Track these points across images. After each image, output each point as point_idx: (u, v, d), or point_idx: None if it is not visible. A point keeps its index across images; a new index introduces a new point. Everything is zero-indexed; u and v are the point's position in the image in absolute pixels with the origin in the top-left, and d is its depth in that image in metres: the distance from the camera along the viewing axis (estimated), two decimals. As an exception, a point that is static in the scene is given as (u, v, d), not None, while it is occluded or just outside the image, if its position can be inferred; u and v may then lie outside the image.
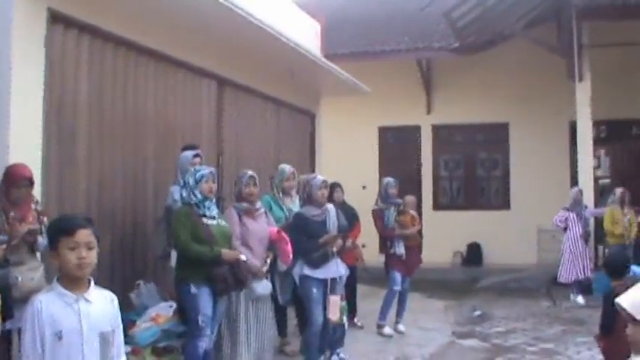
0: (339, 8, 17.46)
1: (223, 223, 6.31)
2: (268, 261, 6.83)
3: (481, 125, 17.02)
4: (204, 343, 5.94)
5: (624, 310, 2.64)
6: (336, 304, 7.13)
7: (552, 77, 15.12)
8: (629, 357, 2.71)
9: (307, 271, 7.09)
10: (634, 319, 2.60)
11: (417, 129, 17.28)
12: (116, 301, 3.24)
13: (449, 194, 17.48)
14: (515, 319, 11.16)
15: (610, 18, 13.12)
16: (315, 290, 7.06)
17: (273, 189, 8.09)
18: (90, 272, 3.07)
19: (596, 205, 13.45)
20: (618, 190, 12.55)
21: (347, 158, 16.00)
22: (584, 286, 12.13)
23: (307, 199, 7.39)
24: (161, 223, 7.17)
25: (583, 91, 13.45)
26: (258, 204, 6.97)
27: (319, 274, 7.11)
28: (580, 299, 11.87)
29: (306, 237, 7.10)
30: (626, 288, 2.83)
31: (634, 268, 7.20)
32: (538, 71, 15.52)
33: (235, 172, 8.07)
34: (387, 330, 9.51)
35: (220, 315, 6.31)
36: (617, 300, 2.69)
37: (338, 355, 7.73)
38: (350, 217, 8.78)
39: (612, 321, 5.37)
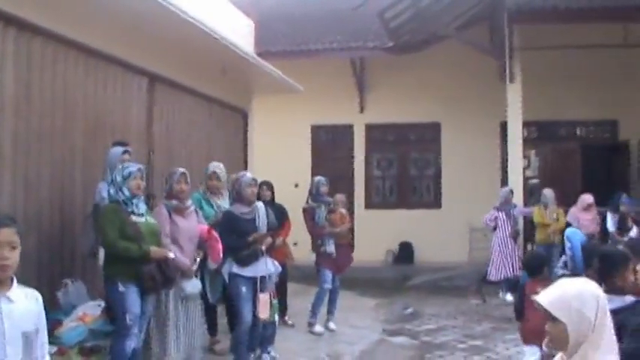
0: (273, 6, 17.39)
1: (152, 220, 6.23)
2: (198, 259, 6.76)
3: (413, 125, 17.20)
4: (132, 342, 5.85)
5: (543, 308, 2.70)
6: (265, 302, 7.12)
7: (484, 78, 15.36)
8: (542, 334, 2.79)
9: (236, 270, 7.06)
10: (553, 317, 2.66)
11: (349, 128, 17.36)
12: (40, 300, 3.16)
13: (381, 193, 17.59)
14: (446, 316, 11.31)
15: (541, 21, 13.36)
16: (244, 288, 7.03)
17: (204, 187, 8.04)
18: (13, 272, 2.99)
19: (525, 205, 13.72)
20: (547, 191, 12.90)
21: (280, 156, 15.99)
22: (512, 284, 12.33)
23: (237, 197, 7.36)
24: (89, 220, 7.05)
25: (514, 93, 13.69)
26: (189, 202, 6.91)
27: (248, 272, 7.09)
28: (509, 297, 12.06)
29: (235, 235, 7.07)
30: (542, 284, 2.91)
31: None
32: (470, 72, 15.74)
33: (166, 169, 7.96)
34: (318, 328, 9.53)
35: (149, 313, 6.23)
36: (536, 298, 2.75)
37: (269, 353, 7.73)
38: (280, 215, 8.79)
39: (522, 308, 6.23)
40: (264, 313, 7.09)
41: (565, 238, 9.64)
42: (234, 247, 7.02)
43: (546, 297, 2.71)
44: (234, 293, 7.11)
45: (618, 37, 13.37)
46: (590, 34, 13.54)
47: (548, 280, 5.62)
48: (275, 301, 7.40)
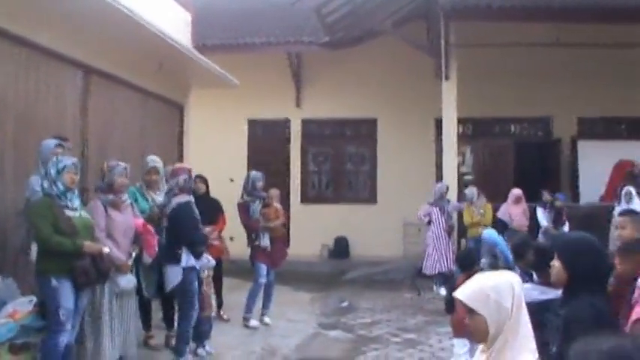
0: (210, -1, 17.32)
1: (85, 214, 6.16)
2: (134, 254, 6.72)
3: (349, 120, 17.31)
4: (65, 338, 5.79)
5: (461, 302, 2.78)
6: (209, 295, 7.14)
7: (420, 75, 15.53)
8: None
9: (194, 262, 7.04)
10: (472, 311, 2.75)
11: (286, 122, 17.38)
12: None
13: (317, 188, 17.67)
14: (380, 310, 11.41)
15: (476, 19, 13.56)
16: (196, 282, 7.05)
17: (142, 181, 7.97)
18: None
19: (459, 201, 13.93)
20: (468, 190, 13.23)
21: (216, 151, 15.90)
22: (446, 278, 12.52)
23: (182, 189, 7.30)
24: (21, 215, 6.92)
25: (449, 90, 13.87)
26: (125, 196, 6.84)
27: (197, 265, 7.11)
28: (442, 291, 12.21)
29: (191, 227, 7.05)
30: (467, 279, 3.00)
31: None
32: (407, 69, 15.88)
33: (100, 163, 7.87)
34: (253, 322, 9.55)
35: (82, 309, 6.15)
36: (455, 293, 2.83)
37: (204, 347, 7.73)
38: (214, 209, 8.78)
39: (452, 302, 5.87)
40: (209, 306, 7.11)
41: (483, 239, 9.78)
42: (192, 240, 7.01)
43: (464, 291, 2.80)
44: (188, 288, 7.08)
45: (551, 36, 13.66)
46: (524, 33, 13.80)
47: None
48: (213, 296, 7.41)
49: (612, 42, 14.02)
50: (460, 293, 2.81)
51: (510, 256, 6.40)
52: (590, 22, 13.58)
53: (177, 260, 7.03)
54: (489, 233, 7.74)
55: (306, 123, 17.35)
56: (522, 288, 2.83)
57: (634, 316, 3.31)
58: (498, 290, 2.74)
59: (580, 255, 3.74)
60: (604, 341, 2.08)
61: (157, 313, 8.30)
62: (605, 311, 3.54)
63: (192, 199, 7.33)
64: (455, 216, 13.42)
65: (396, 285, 13.64)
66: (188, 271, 7.07)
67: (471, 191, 13.20)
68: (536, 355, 2.71)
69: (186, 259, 7.07)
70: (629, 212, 6.13)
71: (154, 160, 7.99)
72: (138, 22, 8.75)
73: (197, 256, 7.13)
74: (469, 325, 2.78)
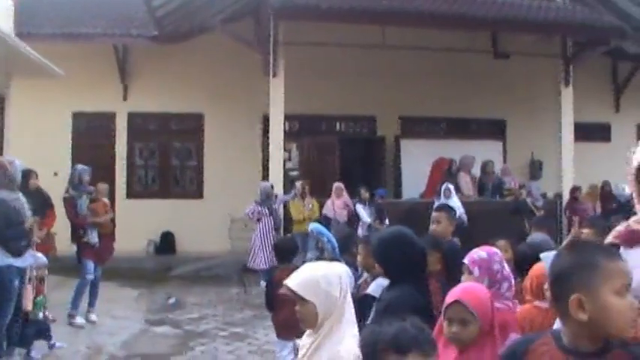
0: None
1: None
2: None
3: (177, 114, 17.11)
4: None
5: (292, 291, 2.94)
6: (30, 293, 6.90)
7: (248, 71, 15.59)
8: (294, 329, 3.05)
9: (12, 260, 6.76)
10: (302, 299, 2.92)
11: (112, 116, 16.93)
12: None
13: (143, 182, 17.38)
14: (207, 305, 11.48)
15: (304, 19, 13.84)
16: (17, 281, 6.77)
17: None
18: None
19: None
20: (298, 184, 13.56)
21: (39, 143, 15.17)
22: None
23: (8, 184, 6.99)
24: None
25: (276, 87, 14.08)
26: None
27: (20, 262, 6.83)
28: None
29: (6, 223, 6.76)
30: (289, 271, 3.17)
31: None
32: (235, 65, 15.89)
33: None
34: (79, 320, 9.36)
35: None
36: (285, 282, 2.97)
37: (29, 353, 7.47)
38: (44, 204, 8.50)
39: (271, 299, 6.40)
40: (29, 305, 6.86)
41: (310, 232, 10.04)
42: (9, 237, 6.72)
43: (295, 280, 2.96)
44: (9, 286, 6.78)
45: (377, 37, 14.19)
46: (351, 34, 14.28)
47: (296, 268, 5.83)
48: (41, 298, 7.16)
49: (435, 46, 14.82)
50: (291, 282, 2.95)
51: (337, 249, 6.61)
52: (414, 26, 14.34)
53: None
54: (315, 226, 7.95)
55: (132, 117, 16.98)
56: (350, 278, 3.05)
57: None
58: (328, 280, 2.94)
59: (389, 248, 4.03)
60: (387, 325, 2.36)
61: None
62: (415, 297, 3.78)
63: (11, 194, 7.01)
64: (281, 211, 13.65)
65: (222, 280, 13.70)
66: (5, 269, 6.79)
67: (300, 184, 13.55)
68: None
69: (2, 257, 6.78)
70: (443, 207, 6.41)
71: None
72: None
73: (15, 253, 6.85)
74: (299, 312, 2.94)
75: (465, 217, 13.23)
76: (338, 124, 18.01)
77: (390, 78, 16.48)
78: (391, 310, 3.49)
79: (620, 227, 2.84)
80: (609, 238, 2.85)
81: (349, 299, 3.00)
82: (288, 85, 14.04)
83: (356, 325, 2.99)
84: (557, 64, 15.70)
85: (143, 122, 17.26)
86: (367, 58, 15.72)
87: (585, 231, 5.09)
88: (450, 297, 3.18)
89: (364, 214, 13.63)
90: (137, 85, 16.71)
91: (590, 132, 18.11)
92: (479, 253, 3.85)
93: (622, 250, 2.74)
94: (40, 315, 7.46)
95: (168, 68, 16.42)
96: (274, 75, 14.02)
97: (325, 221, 13.18)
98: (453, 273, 4.38)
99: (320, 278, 2.93)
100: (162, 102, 16.57)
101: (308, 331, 3.04)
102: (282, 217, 13.58)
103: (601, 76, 18.91)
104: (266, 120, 14.82)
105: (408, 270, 3.91)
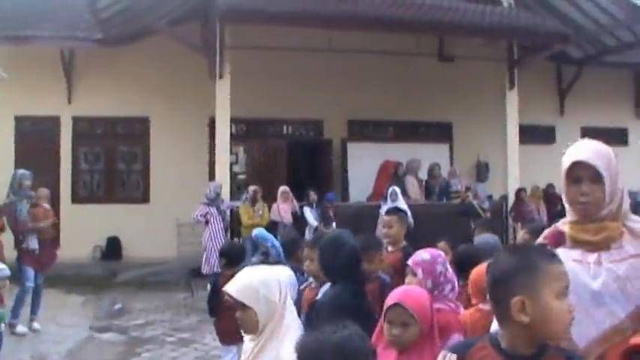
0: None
1: None
2: None
3: (122, 118, 16.89)
4: None
5: (232, 297, 2.92)
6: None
7: (195, 74, 15.47)
8: (236, 334, 3.04)
9: None
10: (243, 305, 2.90)
11: (56, 120, 16.64)
12: None
13: (88, 187, 17.09)
14: (155, 311, 11.39)
15: (251, 22, 13.77)
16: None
17: None
18: None
19: (231, 199, 14.15)
20: (251, 189, 13.52)
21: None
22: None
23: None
24: None
25: (222, 90, 13.99)
26: None
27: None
28: (223, 289, 12.34)
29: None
30: (231, 276, 3.15)
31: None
32: (182, 68, 15.75)
33: None
34: (21, 328, 9.20)
35: None
36: (224, 289, 2.97)
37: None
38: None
39: (214, 304, 6.37)
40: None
41: (255, 238, 9.96)
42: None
43: (234, 286, 2.96)
44: None
45: (324, 41, 14.23)
46: (298, 37, 14.28)
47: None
48: (2, 311, 6.95)
49: (382, 49, 14.93)
50: (230, 288, 2.94)
51: (282, 254, 6.58)
52: (361, 30, 14.41)
53: None
54: (259, 231, 7.89)
55: (77, 120, 16.72)
56: (292, 283, 3.05)
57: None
58: (267, 285, 2.95)
59: (327, 251, 4.07)
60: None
61: None
62: (347, 299, 3.85)
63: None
64: (228, 214, 13.60)
65: (170, 286, 13.58)
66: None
67: (253, 188, 13.51)
68: None
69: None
70: (394, 210, 6.42)
71: None
72: None
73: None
74: (240, 318, 2.93)
75: (411, 220, 13.32)
76: (285, 128, 17.98)
77: (338, 81, 16.56)
78: (324, 312, 3.52)
79: (551, 228, 2.90)
80: (540, 239, 2.90)
81: (289, 303, 3.00)
82: (235, 89, 13.97)
83: (298, 329, 2.98)
84: (502, 67, 15.91)
85: (88, 126, 16.98)
86: (314, 62, 15.76)
87: (524, 236, 5.12)
88: (390, 299, 3.20)
89: (311, 217, 13.65)
90: (82, 89, 16.45)
91: (536, 134, 18.42)
92: (422, 255, 3.89)
93: None
94: (2, 327, 7.26)
95: (113, 71, 16.22)
96: (220, 77, 13.95)
97: (272, 225, 13.20)
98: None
99: (259, 284, 2.93)
100: (107, 105, 16.35)
101: (250, 336, 3.02)
102: (229, 221, 13.51)
103: (546, 79, 19.28)
104: (213, 123, 14.69)
105: (344, 272, 3.95)
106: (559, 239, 2.78)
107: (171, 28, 14.50)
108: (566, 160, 2.71)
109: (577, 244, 2.73)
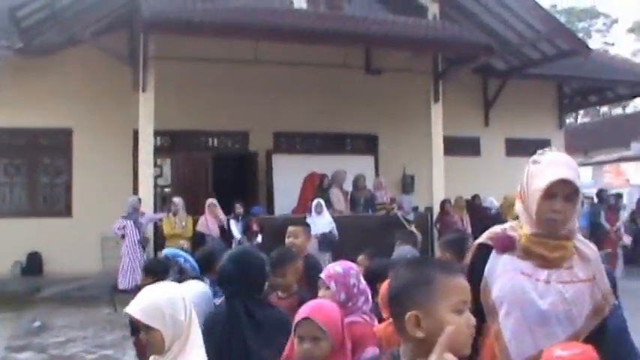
0: None
1: None
2: None
3: (44, 130, 16.48)
4: None
5: (136, 319, 2.84)
6: None
7: (119, 86, 15.26)
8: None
9: None
10: (147, 327, 2.81)
11: (-25, 132, 16.19)
12: None
13: (8, 201, 16.62)
14: (77, 327, 11.14)
15: (176, 32, 13.61)
16: None
17: None
18: None
19: (155, 212, 13.97)
20: (177, 199, 13.40)
21: None
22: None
23: None
24: None
25: (146, 102, 13.77)
26: None
27: None
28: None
29: None
30: None
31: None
32: (106, 79, 15.51)
33: None
34: None
35: None
36: (126, 310, 2.88)
37: None
38: None
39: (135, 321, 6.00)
40: None
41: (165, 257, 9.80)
42: None
43: (136, 307, 2.86)
44: None
45: (250, 52, 14.20)
46: (225, 48, 14.23)
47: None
48: None
49: (308, 61, 14.98)
50: (133, 310, 2.85)
51: (197, 267, 6.46)
52: (287, 41, 14.41)
53: None
54: (168, 250, 7.73)
55: (-3, 132, 16.29)
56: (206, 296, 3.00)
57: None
58: (172, 304, 2.86)
59: (227, 264, 4.04)
60: None
61: None
62: (237, 313, 3.85)
63: None
64: (151, 228, 13.44)
65: (93, 301, 13.31)
66: None
67: (180, 201, 13.39)
68: (205, 357, 2.93)
69: None
70: (299, 222, 6.57)
71: None
72: None
73: None
74: (144, 339, 2.85)
75: (336, 232, 13.38)
76: (211, 140, 17.92)
77: (264, 93, 16.57)
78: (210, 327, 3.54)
79: (497, 229, 2.87)
80: (482, 238, 2.89)
81: (194, 319, 2.95)
82: (159, 100, 13.77)
83: (202, 345, 2.94)
84: (428, 80, 16.08)
85: (9, 138, 16.52)
86: (240, 73, 15.74)
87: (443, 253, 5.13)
88: (299, 314, 3.17)
89: (236, 230, 13.60)
90: (3, 100, 15.98)
91: (461, 146, 18.75)
92: (335, 267, 3.88)
93: (493, 253, 2.80)
94: None
95: (35, 82, 15.82)
96: (143, 89, 13.73)
97: (200, 238, 13.10)
98: (314, 288, 4.39)
99: (164, 304, 2.85)
100: (29, 117, 15.93)
101: (153, 357, 2.94)
102: (151, 234, 13.34)
103: (471, 91, 19.61)
104: (137, 135, 14.48)
105: (241, 287, 3.92)
106: (507, 244, 2.77)
107: (96, 38, 14.24)
108: (549, 176, 2.65)
109: (529, 256, 2.72)
